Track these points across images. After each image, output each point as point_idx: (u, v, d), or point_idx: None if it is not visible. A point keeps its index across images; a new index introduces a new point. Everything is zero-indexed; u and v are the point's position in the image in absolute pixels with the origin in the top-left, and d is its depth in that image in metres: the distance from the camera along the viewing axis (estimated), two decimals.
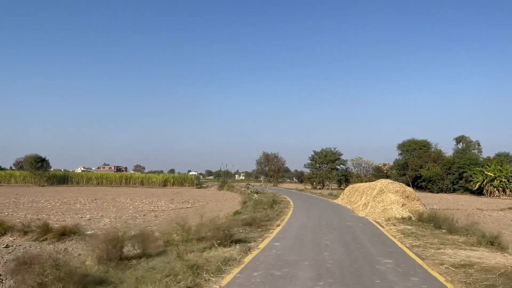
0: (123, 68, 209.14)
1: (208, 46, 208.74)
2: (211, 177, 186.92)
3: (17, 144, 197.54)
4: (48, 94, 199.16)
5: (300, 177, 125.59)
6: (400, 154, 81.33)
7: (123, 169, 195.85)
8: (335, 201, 30.39)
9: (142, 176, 76.94)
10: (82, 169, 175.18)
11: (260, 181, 74.45)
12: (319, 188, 79.99)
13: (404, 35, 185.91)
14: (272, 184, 66.41)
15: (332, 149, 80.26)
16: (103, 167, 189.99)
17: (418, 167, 74.63)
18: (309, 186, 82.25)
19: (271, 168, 67.79)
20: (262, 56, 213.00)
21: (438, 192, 69.41)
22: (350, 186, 30.97)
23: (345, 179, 78.71)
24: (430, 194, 64.43)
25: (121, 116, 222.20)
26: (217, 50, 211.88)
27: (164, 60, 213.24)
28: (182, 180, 76.69)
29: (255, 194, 32.82)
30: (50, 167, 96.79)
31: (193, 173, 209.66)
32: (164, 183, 75.13)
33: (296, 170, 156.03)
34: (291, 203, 27.32)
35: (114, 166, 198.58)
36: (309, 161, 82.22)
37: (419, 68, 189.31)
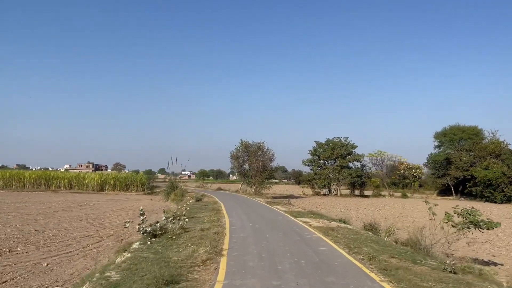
0: (121, 67, 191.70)
1: (205, 44, 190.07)
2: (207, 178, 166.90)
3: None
4: (44, 92, 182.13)
5: (298, 178, 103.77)
6: (438, 146, 58.35)
7: (102, 167, 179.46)
8: None
9: (70, 176, 53.83)
10: (68, 167, 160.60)
11: (250, 183, 50.27)
12: (324, 195, 56.95)
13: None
14: (253, 190, 43.25)
15: (343, 140, 57.14)
16: (80, 165, 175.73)
17: (468, 165, 51.66)
18: (309, 190, 59.30)
19: (253, 165, 44.91)
20: (260, 54, 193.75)
21: (502, 202, 46.37)
22: None
23: (361, 181, 55.50)
24: (492, 206, 41.48)
25: (118, 116, 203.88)
26: (214, 48, 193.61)
27: (161, 59, 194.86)
28: (128, 182, 53.60)
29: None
30: None
31: (186, 172, 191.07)
32: (102, 186, 52.10)
33: (294, 170, 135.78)
34: None
35: (93, 164, 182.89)
36: (310, 156, 59.16)
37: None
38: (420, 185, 75.78)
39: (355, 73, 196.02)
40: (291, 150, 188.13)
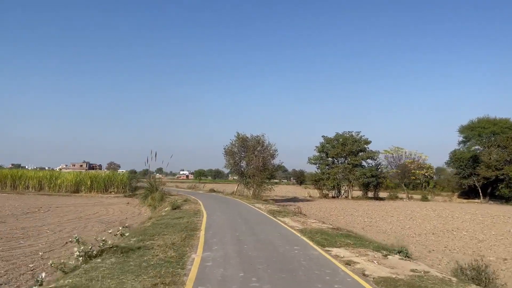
0: (121, 67, 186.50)
1: (205, 44, 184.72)
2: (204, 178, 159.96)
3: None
4: (43, 92, 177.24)
5: (300, 178, 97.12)
6: (463, 142, 51.20)
7: (96, 167, 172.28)
8: None
9: (40, 175, 46.66)
10: (63, 167, 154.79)
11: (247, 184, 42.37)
12: (333, 197, 49.87)
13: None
14: (252, 192, 36.14)
15: (354, 134, 50.02)
16: (73, 165, 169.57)
17: (501, 164, 44.58)
18: (315, 192, 52.12)
19: (252, 163, 37.79)
20: (260, 54, 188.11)
21: None
22: None
23: (377, 183, 48.31)
24: None
25: (118, 116, 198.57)
26: (214, 48, 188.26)
27: (161, 59, 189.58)
28: (107, 182, 46.41)
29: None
30: None
31: (185, 172, 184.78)
32: (77, 187, 44.98)
33: (294, 169, 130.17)
34: None
35: (87, 164, 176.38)
36: (317, 154, 52.06)
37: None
38: (433, 186, 68.89)
39: (355, 73, 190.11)
40: (291, 150, 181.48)
